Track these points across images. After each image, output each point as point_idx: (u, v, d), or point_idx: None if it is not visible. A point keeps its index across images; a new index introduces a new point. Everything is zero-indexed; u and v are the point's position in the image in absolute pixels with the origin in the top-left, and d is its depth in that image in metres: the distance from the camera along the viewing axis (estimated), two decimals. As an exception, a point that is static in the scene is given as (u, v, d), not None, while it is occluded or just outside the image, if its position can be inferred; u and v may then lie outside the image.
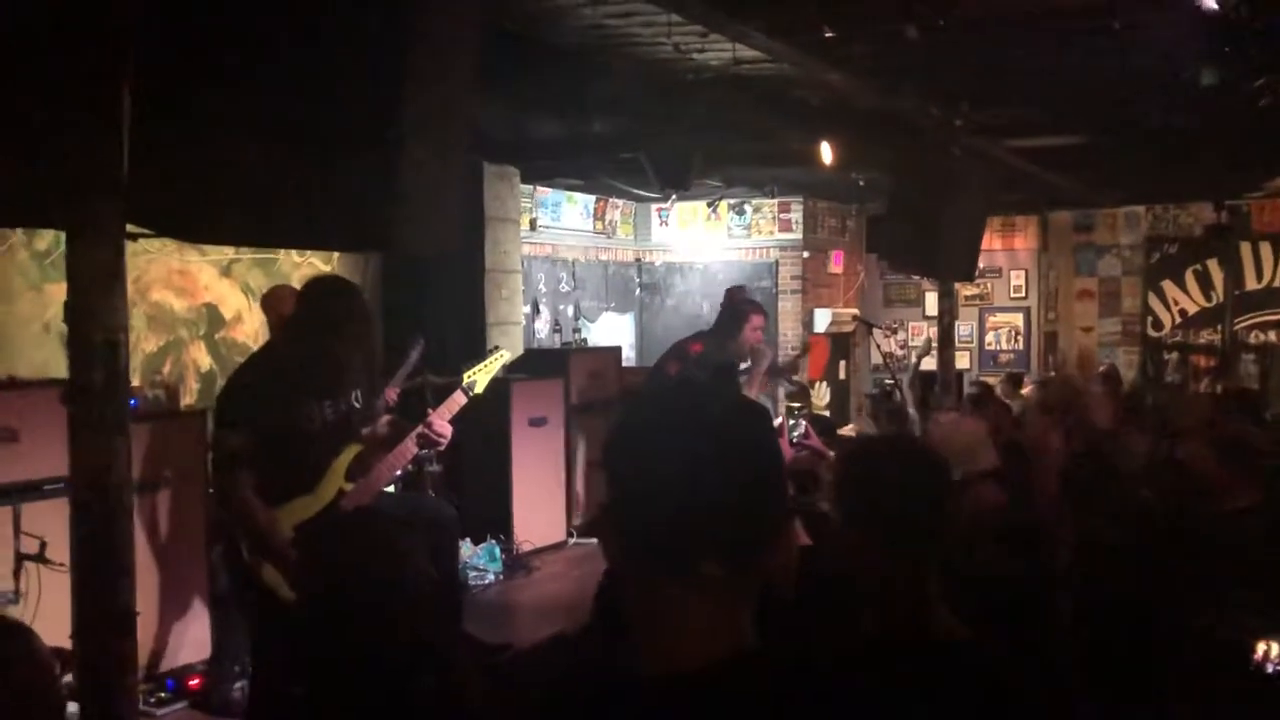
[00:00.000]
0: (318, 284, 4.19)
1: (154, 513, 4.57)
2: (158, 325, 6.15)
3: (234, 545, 3.64)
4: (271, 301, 5.27)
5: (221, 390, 3.90)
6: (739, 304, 6.56)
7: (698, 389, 1.35)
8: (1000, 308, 12.03)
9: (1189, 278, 11.38)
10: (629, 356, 9.89)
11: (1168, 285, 11.49)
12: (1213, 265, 11.21)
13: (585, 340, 9.49)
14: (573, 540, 7.00)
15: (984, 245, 7.64)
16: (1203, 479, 4.05)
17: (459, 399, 3.95)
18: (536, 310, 9.50)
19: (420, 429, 3.83)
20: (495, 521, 6.42)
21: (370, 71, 2.54)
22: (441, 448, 3.88)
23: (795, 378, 8.32)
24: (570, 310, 9.96)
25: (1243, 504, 3.84)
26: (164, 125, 2.41)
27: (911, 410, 7.90)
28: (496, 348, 4.33)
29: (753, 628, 1.24)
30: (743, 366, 6.40)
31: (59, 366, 5.45)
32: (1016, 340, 12.01)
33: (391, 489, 3.95)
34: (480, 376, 4.04)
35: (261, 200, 2.43)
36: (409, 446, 3.84)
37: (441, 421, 3.85)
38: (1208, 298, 11.29)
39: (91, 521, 2.29)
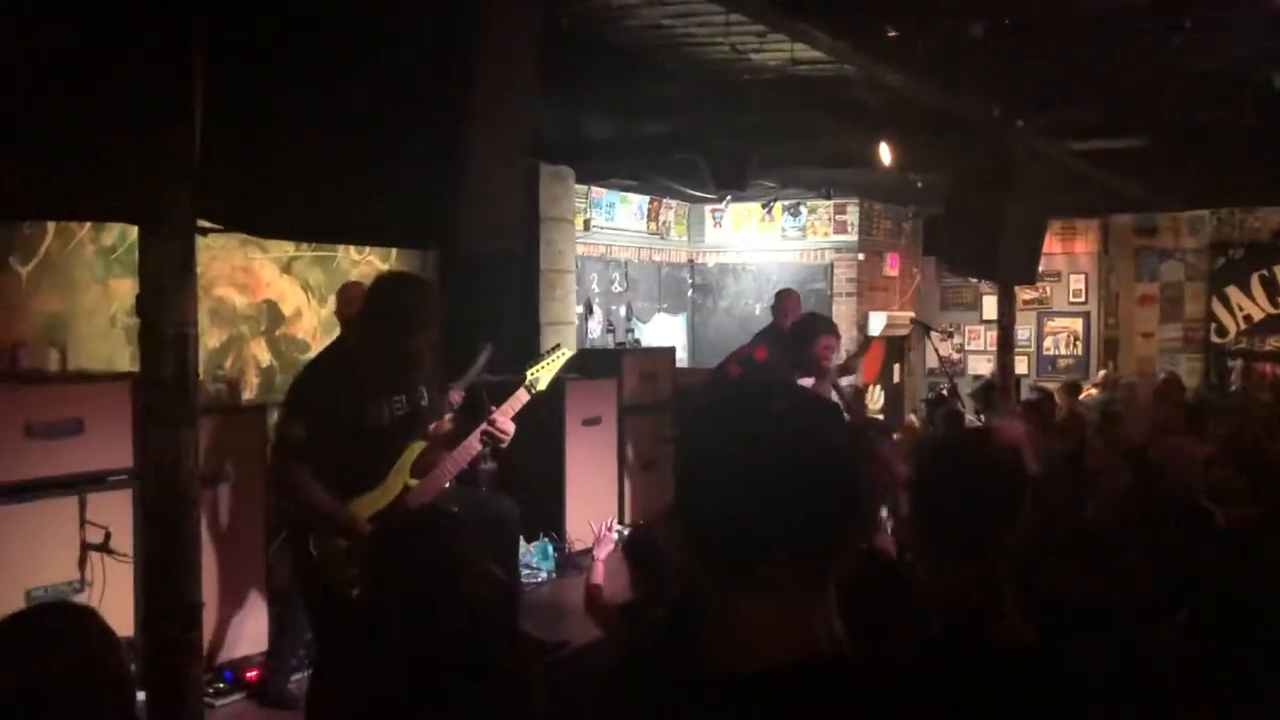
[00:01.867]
0: (387, 279, 4.22)
1: (214, 506, 4.63)
2: (220, 321, 6.24)
3: (299, 538, 3.67)
4: (345, 298, 5.33)
5: (291, 382, 3.94)
6: (812, 322, 6.41)
7: (766, 387, 1.33)
8: (1059, 312, 11.85)
9: (1255, 283, 11.13)
10: (681, 358, 9.86)
11: (1233, 291, 11.24)
12: (1280, 271, 10.98)
13: (638, 341, 9.49)
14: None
15: (1044, 248, 7.52)
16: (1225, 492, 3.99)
17: (522, 396, 3.95)
18: (590, 310, 9.52)
19: (484, 426, 3.84)
20: (548, 520, 6.43)
21: (437, 72, 2.55)
22: (504, 445, 3.88)
23: (851, 379, 8.25)
24: (623, 311, 9.96)
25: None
26: (235, 121, 2.43)
27: (969, 415, 7.82)
28: (558, 346, 4.32)
29: (826, 630, 1.21)
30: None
31: (123, 360, 5.55)
32: (1075, 345, 11.82)
33: (448, 485, 3.95)
34: (543, 374, 4.04)
35: (328, 197, 2.45)
36: (473, 444, 3.85)
37: (505, 419, 3.85)
38: (1275, 304, 11.04)
39: (159, 514, 2.32)
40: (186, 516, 2.30)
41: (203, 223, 2.40)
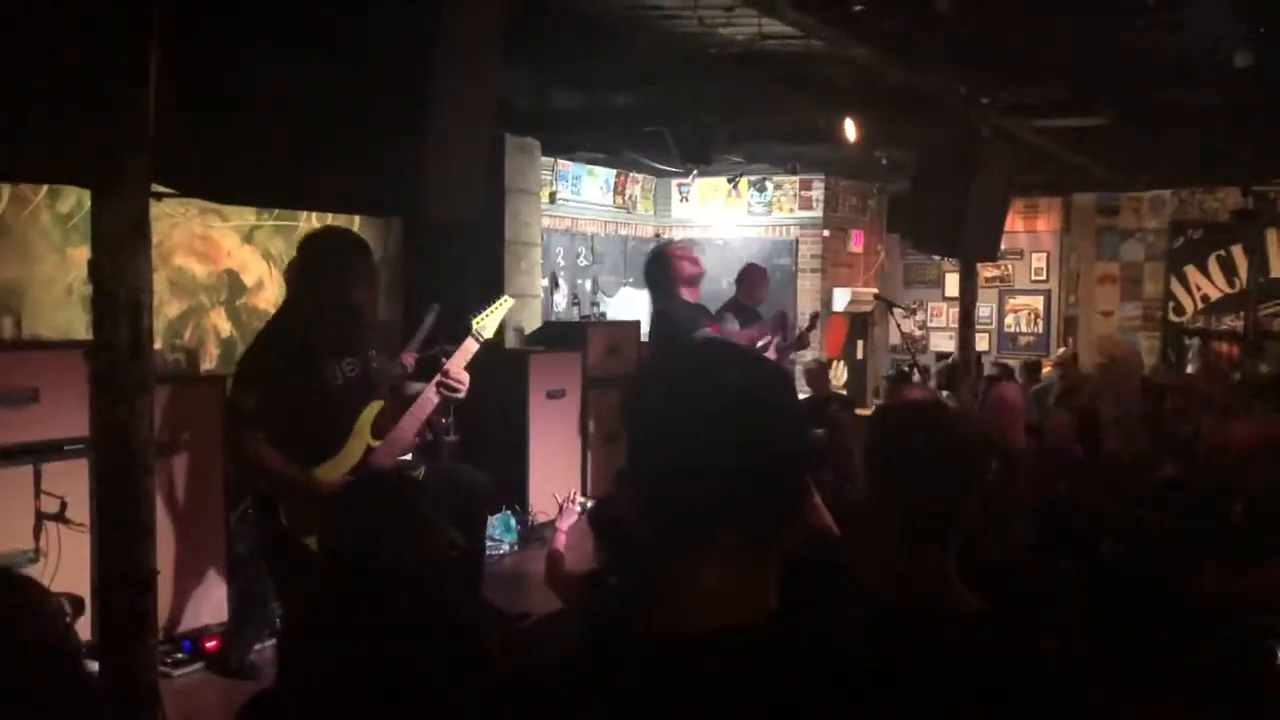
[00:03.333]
0: (317, 233, 4.22)
1: (172, 476, 4.58)
2: (179, 290, 6.17)
3: (265, 506, 3.65)
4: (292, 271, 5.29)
5: (243, 352, 3.92)
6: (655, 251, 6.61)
7: (715, 354, 1.32)
8: (1020, 290, 11.96)
9: (1213, 263, 11.28)
10: (646, 331, 9.85)
11: (1191, 271, 11.39)
12: (1237, 251, 11.11)
13: (603, 315, 9.47)
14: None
15: (1006, 226, 7.58)
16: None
17: (470, 346, 3.96)
18: (555, 284, 9.48)
19: (438, 377, 3.85)
20: (511, 492, 6.43)
21: (400, 37, 2.52)
22: (460, 396, 3.87)
23: (809, 353, 8.28)
24: (588, 284, 9.94)
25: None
26: (193, 84, 2.39)
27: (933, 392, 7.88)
28: (503, 296, 4.33)
29: (774, 595, 1.22)
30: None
31: (81, 329, 5.47)
32: (1036, 323, 11.94)
33: (410, 457, 3.94)
34: (488, 321, 4.05)
35: (288, 163, 2.42)
36: (429, 397, 3.84)
37: (457, 368, 3.86)
38: (1231, 284, 11.19)
39: (113, 479, 2.29)
40: (141, 482, 2.27)
41: (158, 187, 2.36)
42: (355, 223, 6.41)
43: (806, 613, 1.22)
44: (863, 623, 1.76)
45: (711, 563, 1.20)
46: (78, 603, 2.93)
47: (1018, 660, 1.79)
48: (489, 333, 4.04)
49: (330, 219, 6.55)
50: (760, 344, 6.45)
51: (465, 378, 3.86)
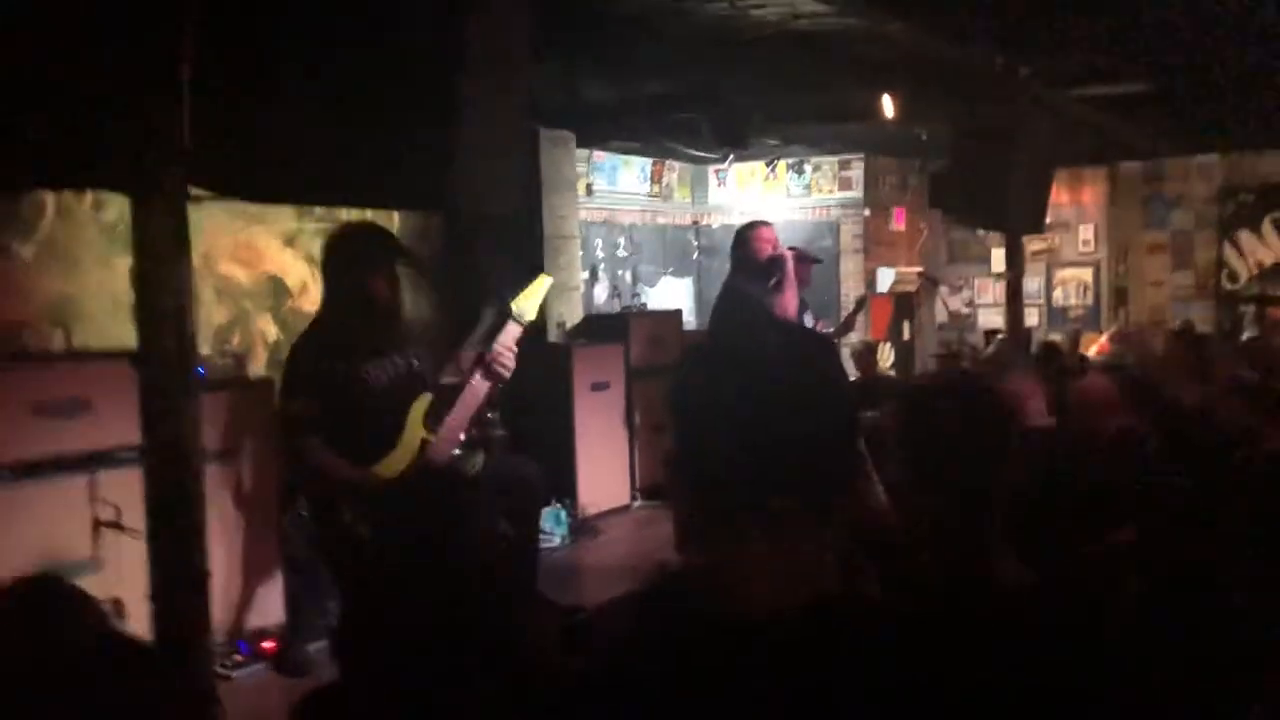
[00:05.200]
0: (336, 229, 4.20)
1: (226, 480, 4.64)
2: (225, 297, 6.23)
3: (325, 508, 3.67)
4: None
5: (286, 359, 3.95)
6: (745, 226, 6.55)
7: (755, 324, 1.32)
8: (1069, 262, 11.77)
9: (1267, 227, 11.01)
10: (689, 320, 9.84)
11: (1244, 236, 11.14)
12: (1293, 213, 10.87)
13: (644, 305, 9.46)
14: (638, 503, 7.01)
15: (1051, 199, 7.46)
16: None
17: (512, 329, 3.90)
18: (595, 276, 9.48)
19: (484, 361, 3.82)
20: (560, 486, 6.43)
21: (430, 33, 2.52)
22: (507, 375, 3.84)
23: (856, 336, 8.22)
24: (628, 275, 9.92)
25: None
26: (227, 86, 2.40)
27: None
28: (541, 272, 4.25)
29: (834, 575, 1.21)
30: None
31: (130, 338, 5.54)
32: (1086, 295, 11.75)
33: (459, 451, 3.94)
34: (527, 303, 3.98)
35: (323, 160, 2.42)
36: (478, 385, 3.82)
37: (502, 349, 3.82)
38: (1287, 248, 10.95)
39: (165, 485, 2.31)
40: (191, 487, 2.29)
41: (196, 191, 2.37)
42: (394, 220, 6.45)
43: (864, 596, 1.20)
44: (912, 603, 1.73)
45: (766, 535, 1.20)
46: (117, 605, 2.97)
47: (1072, 635, 1.75)
48: (530, 314, 3.96)
49: (370, 216, 6.60)
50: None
51: (511, 358, 3.82)
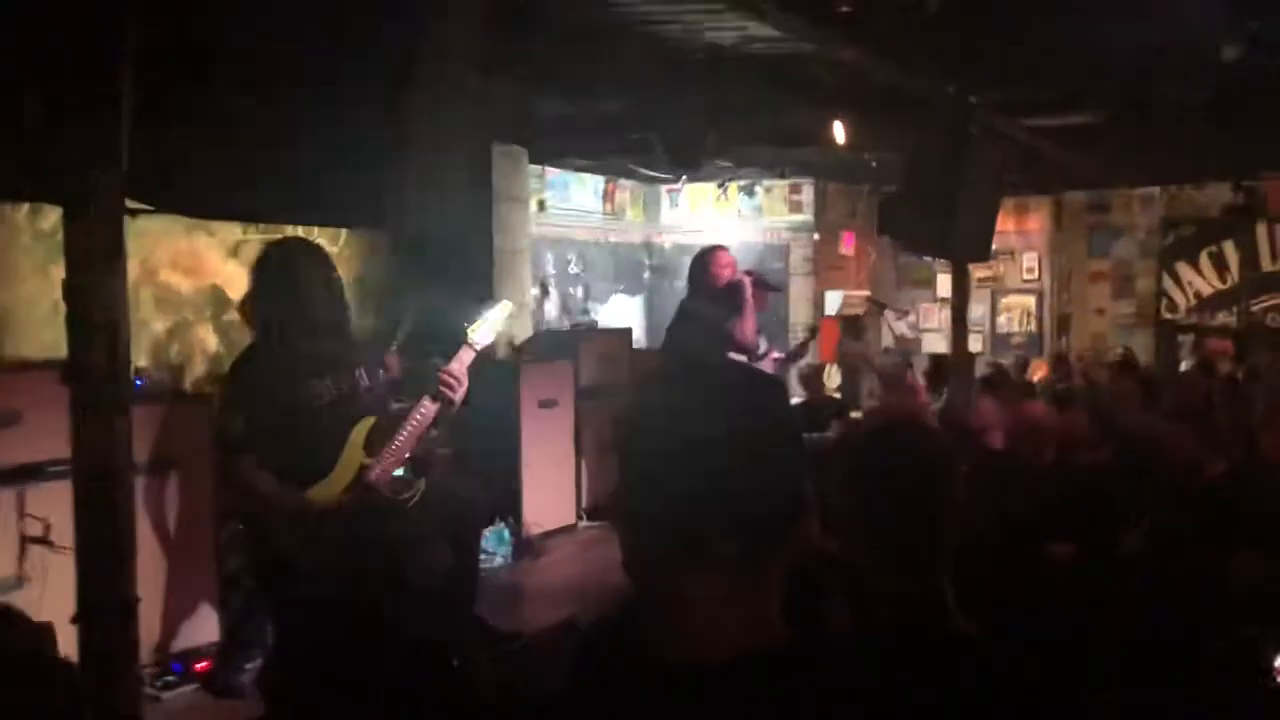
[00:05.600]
0: (261, 254, 4.03)
1: (161, 495, 4.52)
2: (166, 306, 6.11)
3: (256, 529, 3.59)
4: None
5: (225, 374, 3.85)
6: (703, 251, 6.62)
7: (706, 363, 1.31)
8: (1013, 289, 11.93)
9: (1204, 259, 11.26)
10: (639, 338, 9.83)
11: (1182, 267, 11.37)
12: (1228, 247, 11.10)
13: (594, 322, 9.43)
14: (583, 523, 6.96)
15: (997, 227, 7.55)
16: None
17: (465, 354, 3.84)
18: (545, 292, 9.43)
19: (436, 386, 3.75)
20: (504, 504, 6.37)
21: (378, 49, 2.49)
22: (458, 398, 3.78)
23: (803, 362, 8.25)
24: (579, 292, 9.89)
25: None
26: (165, 101, 2.35)
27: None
28: (500, 300, 4.19)
29: (780, 618, 1.18)
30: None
31: (65, 348, 5.41)
32: (1029, 322, 11.91)
33: (403, 472, 3.87)
34: (483, 329, 3.91)
35: (266, 175, 2.37)
36: (427, 407, 3.76)
37: (453, 373, 3.75)
38: (1223, 279, 11.18)
39: (92, 503, 2.24)
40: (119, 509, 2.22)
41: (133, 204, 2.31)
42: (341, 237, 6.37)
43: (810, 641, 1.18)
44: (861, 649, 1.71)
45: (710, 579, 1.17)
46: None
47: (1017, 687, 1.75)
48: (486, 339, 3.93)
49: (317, 230, 6.51)
50: (761, 352, 6.47)
51: (464, 380, 3.76)
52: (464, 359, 3.82)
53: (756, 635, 1.17)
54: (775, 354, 6.71)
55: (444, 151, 2.66)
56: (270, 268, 3.63)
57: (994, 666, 1.76)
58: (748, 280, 6.40)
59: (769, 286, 6.96)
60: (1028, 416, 4.93)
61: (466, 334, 3.88)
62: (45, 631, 1.94)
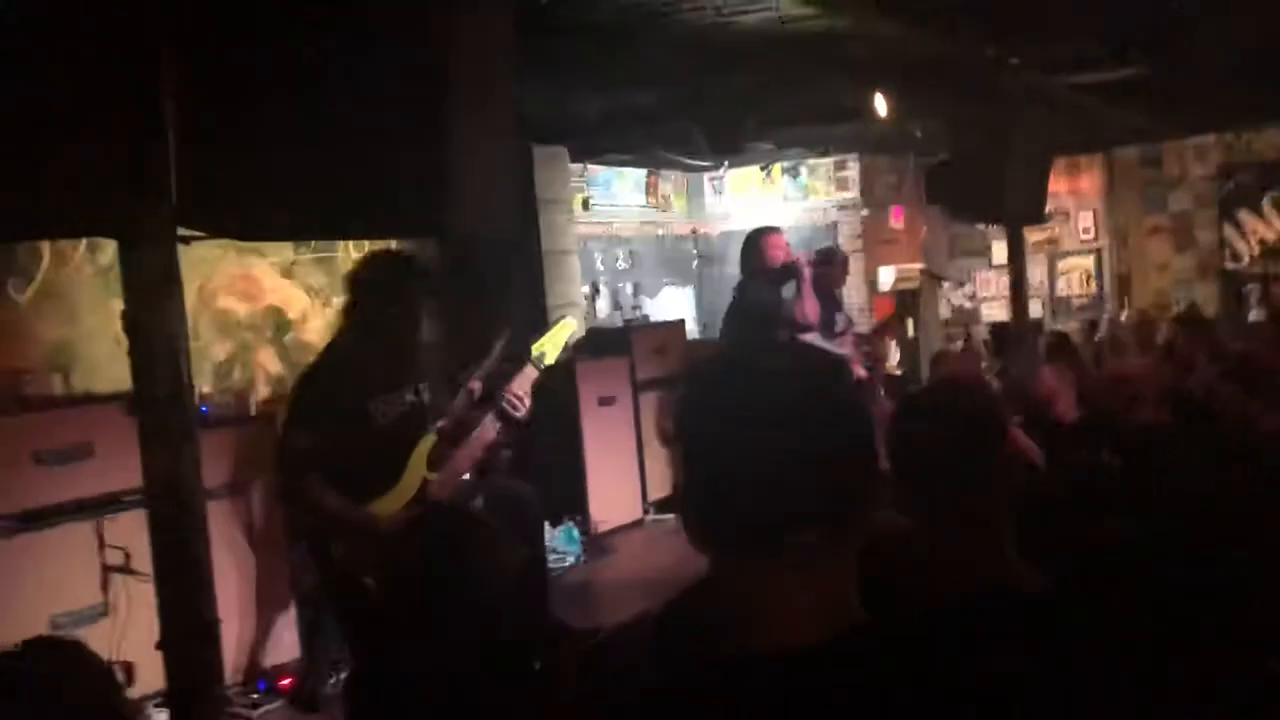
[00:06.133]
0: (363, 259, 4.11)
1: (235, 517, 4.60)
2: (225, 332, 6.20)
3: (319, 544, 3.63)
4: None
5: (291, 391, 3.89)
6: (754, 232, 6.58)
7: (764, 347, 1.28)
8: (1071, 251, 11.71)
9: (1267, 204, 10.96)
10: (691, 330, 9.80)
11: (1245, 215, 11.08)
12: (1293, 190, 10.80)
13: (646, 317, 9.42)
14: (650, 517, 6.96)
15: (1049, 188, 7.41)
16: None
17: (530, 373, 3.89)
18: (596, 290, 9.44)
19: (499, 405, 3.79)
20: (571, 503, 6.39)
21: (413, 56, 2.49)
22: (521, 417, 3.81)
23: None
24: (629, 288, 9.88)
25: None
26: (210, 123, 2.37)
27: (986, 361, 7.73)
28: (562, 316, 4.25)
29: (857, 600, 1.16)
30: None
31: (129, 380, 5.50)
32: (1089, 284, 11.69)
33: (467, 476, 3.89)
34: (548, 347, 3.96)
35: (312, 193, 2.38)
36: (488, 429, 3.80)
37: (516, 395, 3.80)
38: (1289, 225, 10.88)
39: (167, 532, 2.27)
40: (193, 532, 2.25)
41: (185, 231, 2.33)
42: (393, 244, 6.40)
43: (889, 622, 1.16)
44: (928, 622, 1.68)
45: (786, 566, 1.15)
46: (128, 668, 2.93)
47: (1087, 641, 1.71)
48: (550, 358, 3.96)
49: (368, 245, 6.57)
50: (839, 330, 6.51)
51: (527, 400, 3.80)
52: (526, 380, 3.85)
53: (836, 621, 1.15)
54: (850, 330, 6.71)
55: (485, 156, 2.65)
56: (360, 281, 3.67)
57: (1068, 625, 1.73)
58: (803, 261, 6.37)
59: (834, 259, 6.92)
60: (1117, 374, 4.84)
61: (531, 352, 3.92)
62: (112, 673, 1.98)
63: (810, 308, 6.31)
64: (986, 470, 1.87)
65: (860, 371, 6.52)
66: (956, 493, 1.84)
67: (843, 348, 6.45)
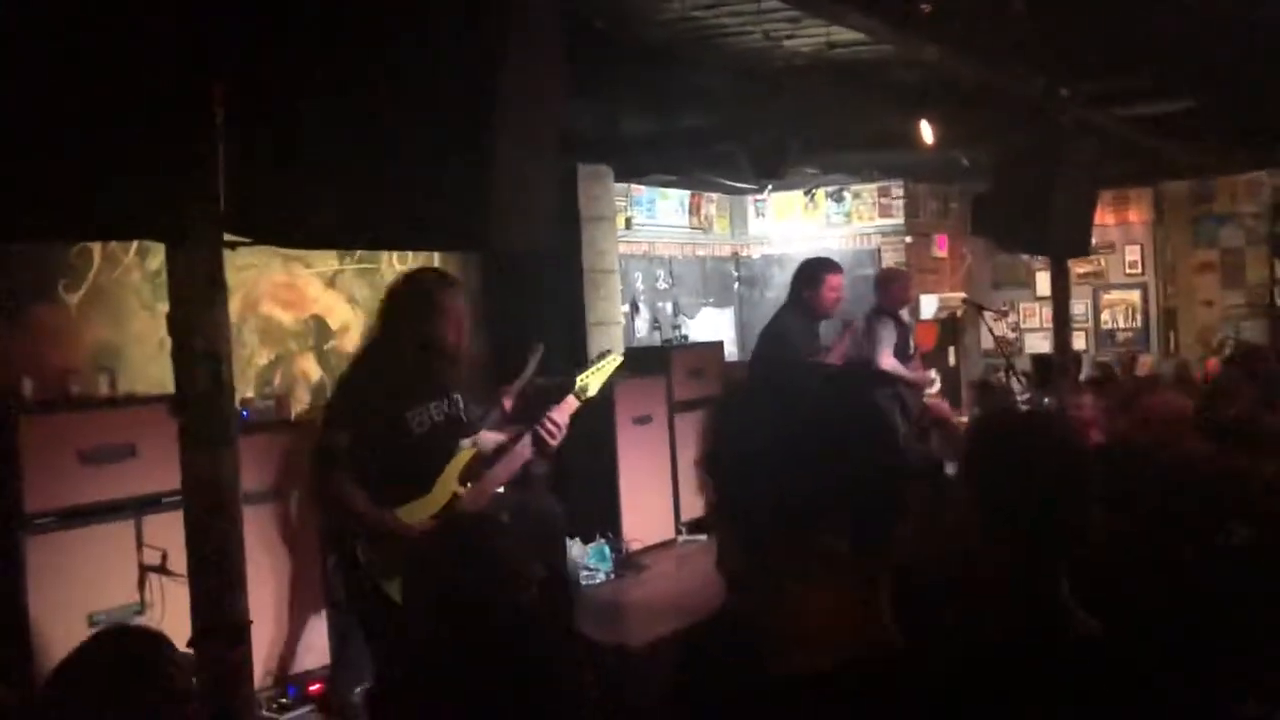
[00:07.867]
0: (404, 274, 4.16)
1: (271, 522, 4.64)
2: (268, 338, 6.27)
3: (348, 550, 3.65)
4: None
5: (331, 392, 3.93)
6: (815, 265, 6.54)
7: (793, 368, 1.29)
8: (1115, 284, 11.58)
9: (1319, 244, 10.79)
10: (730, 351, 9.79)
11: (1296, 253, 10.91)
12: (1345, 229, 10.62)
13: (685, 337, 9.42)
14: (682, 538, 6.94)
15: (1095, 220, 7.34)
16: None
17: (571, 403, 3.90)
18: (635, 309, 9.46)
19: (535, 429, 3.81)
20: (604, 521, 6.39)
21: (462, 70, 2.51)
22: (553, 449, 3.84)
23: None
24: (669, 308, 9.89)
25: None
26: (258, 131, 2.41)
27: (1023, 395, 7.66)
28: (609, 351, 4.27)
29: (892, 622, 1.16)
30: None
31: (172, 383, 5.58)
32: (1134, 318, 11.55)
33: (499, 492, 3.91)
34: (593, 380, 3.99)
35: (357, 203, 2.41)
36: (523, 449, 3.82)
37: (557, 419, 3.81)
38: (1341, 264, 10.70)
39: (203, 532, 2.30)
40: (229, 534, 2.28)
41: (231, 237, 2.37)
42: (435, 258, 6.48)
43: (924, 647, 1.15)
44: (978, 656, 1.66)
45: (819, 584, 1.15)
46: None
47: (1143, 693, 1.67)
48: (593, 391, 3.98)
49: (411, 258, 6.64)
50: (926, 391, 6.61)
51: (564, 429, 3.81)
52: (567, 409, 3.87)
53: (871, 639, 1.14)
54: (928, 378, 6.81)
55: (531, 173, 2.67)
56: (395, 299, 3.71)
57: (1116, 667, 1.69)
58: (858, 327, 6.46)
59: (893, 280, 6.97)
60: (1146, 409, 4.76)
61: (575, 383, 3.93)
62: (192, 661, 2.03)
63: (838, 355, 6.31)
64: (1083, 509, 1.83)
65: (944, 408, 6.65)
66: (1047, 527, 1.79)
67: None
